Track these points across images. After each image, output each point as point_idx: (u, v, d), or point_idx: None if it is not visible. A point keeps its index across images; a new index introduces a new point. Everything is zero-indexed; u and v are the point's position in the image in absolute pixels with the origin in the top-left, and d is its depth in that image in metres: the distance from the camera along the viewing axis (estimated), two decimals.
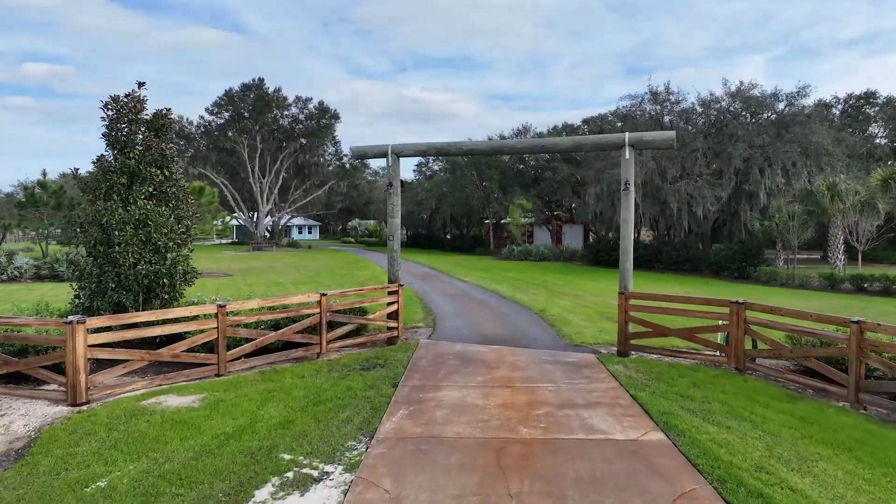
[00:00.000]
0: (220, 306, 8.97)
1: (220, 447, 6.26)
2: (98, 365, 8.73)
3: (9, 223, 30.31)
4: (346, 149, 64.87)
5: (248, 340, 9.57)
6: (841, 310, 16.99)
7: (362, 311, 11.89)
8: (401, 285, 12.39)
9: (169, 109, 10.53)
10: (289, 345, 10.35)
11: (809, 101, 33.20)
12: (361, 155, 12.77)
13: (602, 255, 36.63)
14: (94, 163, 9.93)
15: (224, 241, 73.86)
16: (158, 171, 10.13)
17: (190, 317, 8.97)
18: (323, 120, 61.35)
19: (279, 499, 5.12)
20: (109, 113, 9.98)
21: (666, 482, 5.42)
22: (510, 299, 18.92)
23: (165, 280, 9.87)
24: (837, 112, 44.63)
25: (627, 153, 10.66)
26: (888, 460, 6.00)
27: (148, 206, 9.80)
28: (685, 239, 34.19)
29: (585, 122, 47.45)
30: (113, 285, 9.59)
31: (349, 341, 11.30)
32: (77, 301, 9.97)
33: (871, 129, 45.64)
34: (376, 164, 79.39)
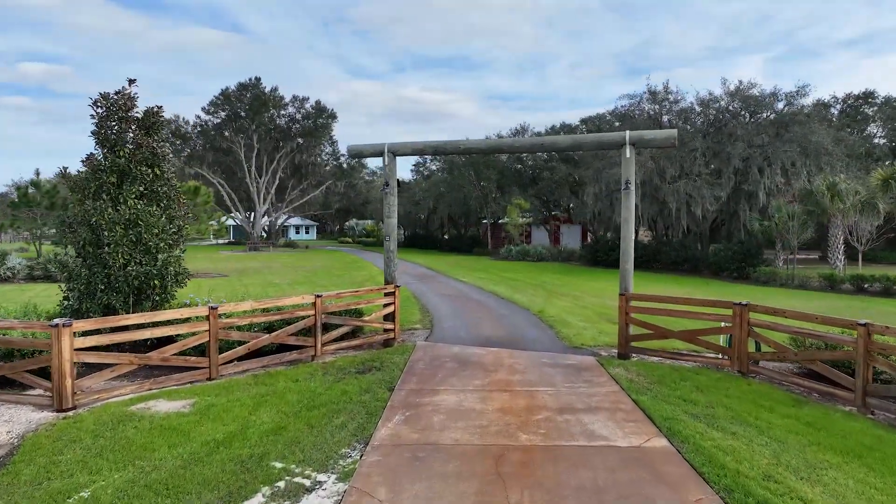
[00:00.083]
0: (211, 308, 8.76)
1: (210, 455, 6.05)
2: (88, 369, 8.53)
3: (2, 223, 30.03)
4: (343, 148, 64.74)
5: (240, 343, 9.36)
6: (842, 311, 16.84)
7: (358, 313, 11.69)
8: (397, 286, 12.18)
9: (160, 107, 10.31)
10: (283, 347, 10.15)
11: (808, 101, 33.08)
12: (357, 154, 12.56)
13: (600, 256, 36.47)
14: (83, 161, 9.71)
15: (221, 241, 73.56)
16: (149, 170, 9.91)
17: (181, 319, 8.75)
18: (320, 119, 61.08)
19: None
20: (99, 111, 9.76)
21: (671, 491, 5.23)
22: (508, 300, 18.73)
23: (156, 281, 9.65)
24: (836, 112, 44.53)
25: (628, 152, 10.47)
26: None
27: (138, 206, 9.58)
28: (683, 239, 34.05)
29: (583, 121, 47.28)
30: (102, 287, 9.36)
31: (345, 343, 11.10)
32: (66, 303, 9.75)
33: (869, 128, 45.56)
34: (374, 164, 79.27)
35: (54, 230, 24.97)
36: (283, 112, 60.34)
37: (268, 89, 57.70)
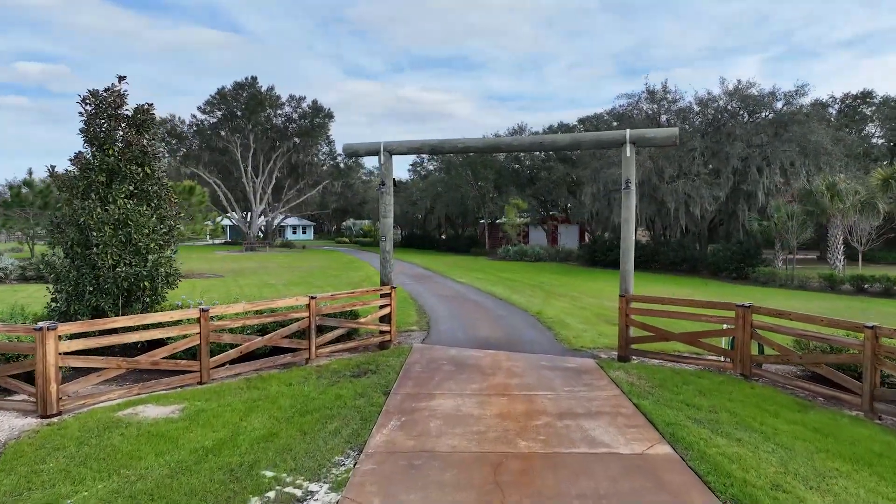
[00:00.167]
0: (202, 310, 8.54)
1: (198, 463, 5.84)
2: (76, 373, 8.31)
3: None
4: (340, 148, 64.35)
5: (232, 346, 9.15)
6: (842, 311, 16.69)
7: (353, 315, 11.48)
8: (394, 287, 11.98)
9: (151, 104, 10.09)
10: (276, 350, 9.93)
11: (807, 101, 32.93)
12: (353, 153, 12.35)
13: (598, 256, 36.30)
14: (71, 160, 9.48)
15: (217, 241, 73.26)
16: (139, 169, 9.68)
17: (170, 322, 8.53)
18: (317, 119, 60.75)
19: None
20: (88, 108, 9.54)
21: (675, 501, 5.04)
22: (506, 301, 18.53)
23: (146, 283, 9.44)
24: (834, 112, 44.43)
25: (628, 151, 10.28)
26: None
27: (128, 206, 9.36)
28: (682, 239, 33.88)
29: (581, 121, 47.06)
30: (91, 288, 9.14)
31: (340, 346, 10.89)
32: (53, 305, 9.52)
33: (867, 128, 45.48)
34: (371, 164, 79.03)
35: (47, 230, 24.72)
36: (279, 112, 59.99)
37: (264, 88, 57.36)
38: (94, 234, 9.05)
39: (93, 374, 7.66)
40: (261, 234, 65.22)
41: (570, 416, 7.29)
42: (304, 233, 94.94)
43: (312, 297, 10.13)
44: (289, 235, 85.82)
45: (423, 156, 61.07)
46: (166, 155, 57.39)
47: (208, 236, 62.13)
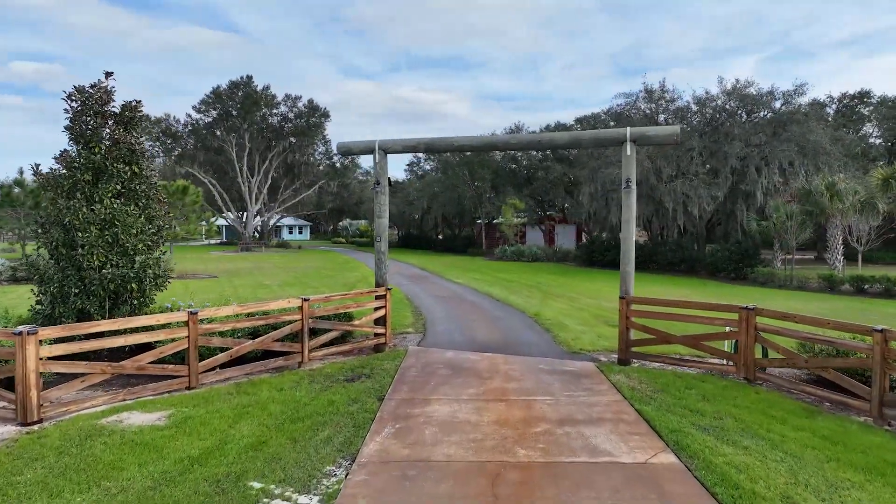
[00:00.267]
0: (191, 313, 8.28)
1: (183, 474, 5.58)
2: (61, 378, 8.04)
3: None
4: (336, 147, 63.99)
5: (222, 350, 8.89)
6: (843, 312, 16.51)
7: (348, 317, 11.23)
8: (389, 289, 11.73)
9: (139, 101, 9.81)
10: (268, 354, 9.68)
11: (805, 100, 32.78)
12: (347, 151, 12.10)
13: (596, 256, 36.13)
14: (56, 158, 9.20)
15: (213, 241, 72.87)
16: (127, 168, 9.40)
17: (158, 325, 8.28)
18: (312, 119, 60.46)
19: None
20: (73, 104, 9.26)
21: None
22: (503, 302, 18.30)
23: (134, 285, 9.16)
24: (831, 111, 44.33)
25: (629, 149, 10.04)
26: None
27: (115, 205, 9.08)
28: (679, 239, 33.70)
29: (578, 121, 46.84)
30: (76, 291, 8.87)
31: (334, 349, 10.64)
32: (38, 308, 9.25)
33: (865, 128, 45.40)
34: (367, 163, 78.64)
35: (31, 231, 24.38)
36: (275, 111, 59.67)
37: (259, 88, 57.07)
38: (80, 234, 8.78)
39: (76, 380, 7.39)
40: (257, 235, 64.89)
41: (570, 422, 7.06)
42: (300, 233, 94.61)
43: (305, 299, 9.88)
44: (285, 236, 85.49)
45: (420, 156, 60.95)
46: (161, 154, 57.08)
47: (204, 236, 61.81)
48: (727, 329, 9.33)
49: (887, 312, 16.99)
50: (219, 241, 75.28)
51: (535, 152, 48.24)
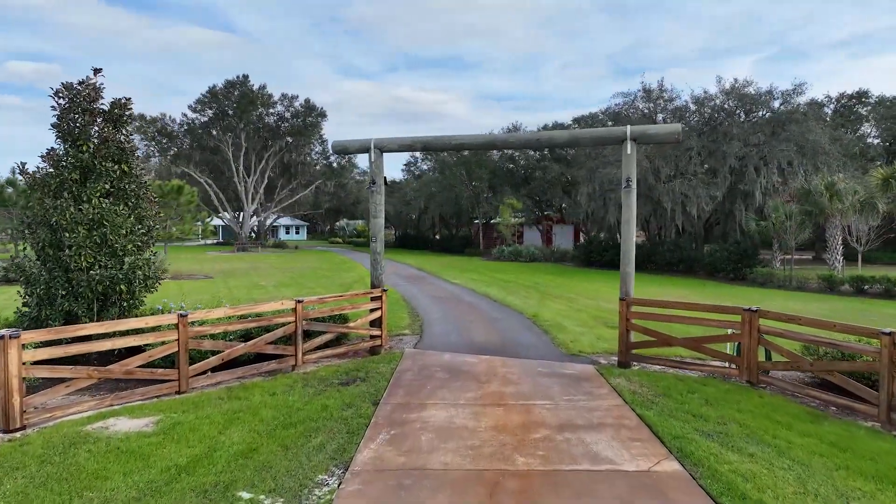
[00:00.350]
0: (180, 315, 8.06)
1: (170, 483, 5.37)
2: (48, 383, 7.82)
3: None
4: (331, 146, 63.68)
5: (214, 353, 8.67)
6: (843, 313, 16.35)
7: (343, 319, 11.02)
8: (384, 290, 11.52)
9: (129, 99, 9.59)
10: (261, 357, 9.47)
11: (804, 100, 32.66)
12: (342, 150, 11.89)
13: (594, 256, 35.97)
14: (42, 157, 8.98)
15: (209, 241, 72.58)
16: (116, 167, 9.18)
17: (146, 328, 8.05)
18: (309, 118, 60.20)
19: None
20: (61, 101, 9.03)
21: None
22: (501, 303, 18.10)
23: (123, 286, 8.94)
24: (829, 111, 44.24)
25: (629, 148, 9.85)
26: None
27: (104, 205, 8.86)
28: (677, 239, 33.55)
29: (576, 121, 46.64)
30: (63, 292, 8.65)
31: (328, 351, 10.42)
32: (25, 310, 9.02)
33: (862, 128, 45.33)
34: (365, 164, 78.37)
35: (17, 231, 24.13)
36: (271, 110, 59.42)
37: (255, 87, 56.79)
38: (67, 234, 8.56)
39: (61, 385, 7.17)
40: (253, 235, 64.62)
41: (571, 428, 6.86)
42: (297, 233, 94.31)
43: (299, 301, 9.67)
44: (282, 235, 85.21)
45: (417, 156, 60.73)
46: (157, 154, 56.76)
47: (200, 236, 61.53)
48: (729, 331, 9.15)
49: (889, 313, 16.84)
50: (215, 241, 75.05)
51: (532, 152, 48.09)
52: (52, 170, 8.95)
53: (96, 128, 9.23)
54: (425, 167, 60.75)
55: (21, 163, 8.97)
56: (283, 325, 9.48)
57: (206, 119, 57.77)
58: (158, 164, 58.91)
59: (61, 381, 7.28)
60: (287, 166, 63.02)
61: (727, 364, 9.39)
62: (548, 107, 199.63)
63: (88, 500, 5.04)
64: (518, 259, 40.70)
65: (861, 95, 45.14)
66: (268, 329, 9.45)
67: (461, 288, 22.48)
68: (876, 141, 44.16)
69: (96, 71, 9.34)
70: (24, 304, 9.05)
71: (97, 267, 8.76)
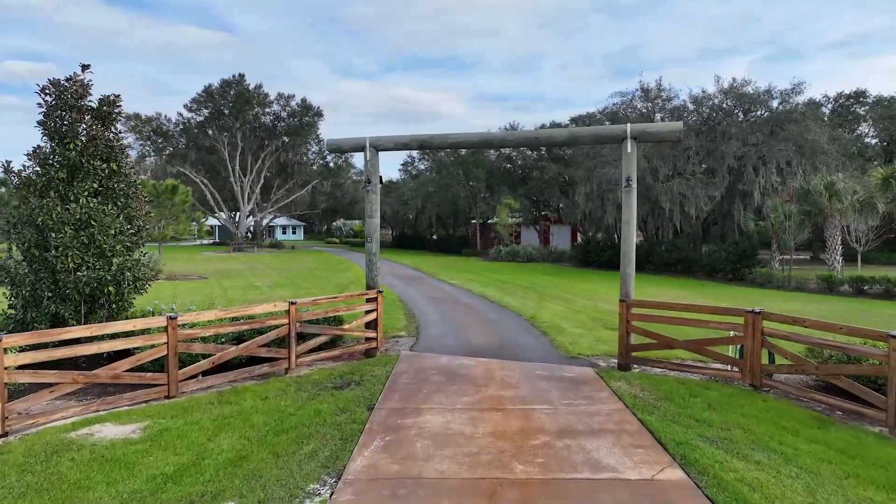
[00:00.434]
0: (170, 318, 7.84)
1: (155, 493, 5.17)
2: (34, 388, 7.59)
3: None
4: (325, 145, 63.32)
5: (204, 356, 8.45)
6: (844, 314, 16.20)
7: (337, 321, 10.80)
8: (380, 291, 11.30)
9: (118, 96, 9.35)
10: (253, 360, 9.26)
11: (802, 99, 32.54)
12: (336, 148, 11.68)
13: (591, 256, 35.81)
14: (28, 155, 8.74)
15: (205, 241, 72.23)
16: (104, 165, 8.94)
17: (135, 331, 7.82)
18: (306, 118, 59.83)
19: None
20: (47, 98, 8.80)
21: None
22: (498, 304, 17.90)
23: (111, 288, 8.70)
24: (827, 111, 44.15)
25: (629, 146, 9.66)
26: None
27: (91, 205, 8.63)
28: (675, 240, 33.41)
29: (574, 120, 46.39)
30: (49, 294, 8.41)
31: (323, 354, 10.20)
32: (10, 312, 8.78)
33: (860, 128, 45.25)
34: (362, 163, 78.04)
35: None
36: (267, 110, 59.02)
37: (252, 86, 56.42)
38: (53, 235, 8.32)
39: (45, 390, 6.94)
40: (249, 235, 64.29)
41: (571, 434, 6.66)
42: (293, 233, 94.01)
43: (292, 303, 9.45)
44: (278, 236, 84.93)
45: (414, 155, 60.51)
46: (152, 154, 56.40)
47: (195, 236, 61.18)
48: (732, 334, 8.96)
49: (889, 314, 16.70)
50: (211, 241, 74.71)
51: (530, 152, 47.91)
52: (38, 168, 8.71)
53: (84, 125, 8.99)
54: (422, 167, 60.53)
55: (6, 161, 8.75)
56: (276, 327, 9.27)
57: (201, 118, 57.37)
58: (154, 163, 58.54)
59: (46, 385, 7.05)
60: (283, 166, 62.66)
61: (729, 367, 9.20)
62: (545, 107, 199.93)
63: None
64: (515, 259, 40.52)
65: (859, 95, 45.07)
66: (260, 331, 9.23)
67: (458, 289, 22.28)
68: (873, 141, 44.10)
69: (84, 67, 9.11)
70: (10, 307, 8.81)
71: (84, 268, 8.53)
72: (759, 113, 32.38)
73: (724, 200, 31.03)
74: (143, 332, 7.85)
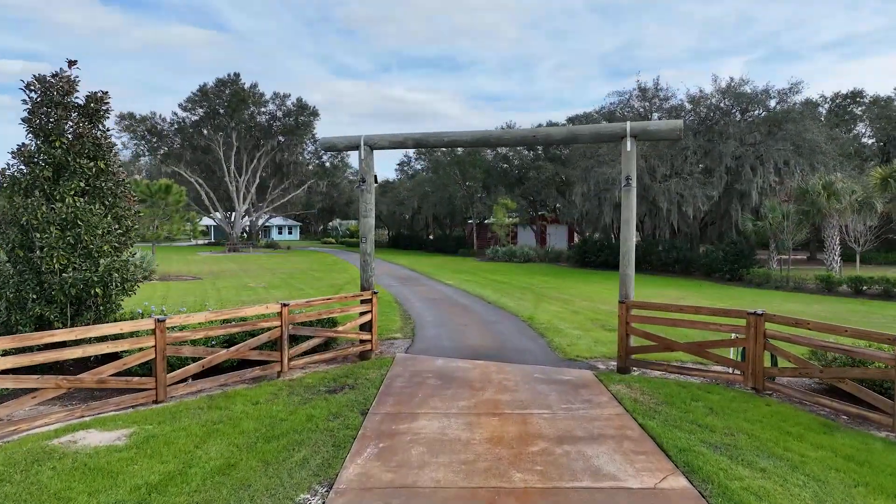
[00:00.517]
0: (158, 320, 7.62)
1: None
2: (17, 393, 7.38)
3: None
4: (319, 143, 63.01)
5: (194, 360, 8.24)
6: (843, 314, 16.06)
7: (331, 323, 10.59)
8: (375, 293, 11.10)
9: (105, 92, 9.13)
10: (244, 363, 9.04)
11: (799, 98, 32.45)
12: (330, 147, 11.46)
13: (589, 257, 35.65)
14: (13, 153, 8.51)
15: (200, 241, 71.90)
16: (91, 164, 8.72)
17: (122, 334, 7.61)
18: (301, 117, 59.53)
19: None
20: (32, 95, 8.57)
21: None
22: (496, 305, 17.71)
23: (98, 290, 8.48)
24: (824, 111, 44.11)
25: (629, 145, 9.48)
26: None
27: (78, 204, 8.41)
28: (673, 240, 33.27)
29: (570, 120, 46.24)
30: (34, 296, 8.19)
31: (316, 357, 10.00)
32: None
33: (857, 128, 45.23)
34: (357, 163, 77.88)
35: None
36: (263, 109, 58.70)
37: (247, 85, 56.13)
38: (38, 235, 8.10)
39: (27, 395, 6.72)
40: (245, 235, 63.98)
41: (570, 440, 6.47)
42: (289, 233, 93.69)
43: (285, 304, 9.24)
44: (274, 236, 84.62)
45: (410, 154, 60.37)
46: (146, 153, 56.06)
47: (190, 236, 60.85)
48: (733, 336, 8.78)
49: (890, 315, 16.56)
50: (206, 241, 74.37)
51: (526, 151, 47.76)
52: (23, 167, 8.49)
53: (71, 123, 8.77)
54: (419, 167, 60.36)
55: None
56: (268, 329, 9.06)
57: (196, 118, 57.02)
58: (149, 163, 58.20)
59: (28, 391, 6.83)
60: (279, 166, 62.37)
61: (730, 370, 9.03)
62: (541, 107, 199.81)
63: None
64: (512, 259, 40.35)
65: (856, 95, 45.04)
66: (252, 334, 9.02)
67: (455, 289, 22.08)
68: (870, 141, 44.08)
69: (71, 63, 8.88)
70: None
71: (70, 269, 8.31)
72: (756, 112, 32.28)
73: (721, 200, 30.90)
74: (130, 334, 7.65)
